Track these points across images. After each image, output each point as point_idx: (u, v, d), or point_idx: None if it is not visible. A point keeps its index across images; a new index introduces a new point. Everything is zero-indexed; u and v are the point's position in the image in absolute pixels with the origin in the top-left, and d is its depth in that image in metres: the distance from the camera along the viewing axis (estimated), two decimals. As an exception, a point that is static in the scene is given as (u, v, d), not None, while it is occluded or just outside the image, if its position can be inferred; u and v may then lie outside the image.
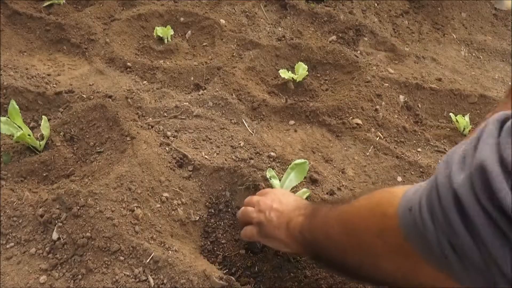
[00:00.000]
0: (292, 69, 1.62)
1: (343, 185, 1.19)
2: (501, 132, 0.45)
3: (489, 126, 0.46)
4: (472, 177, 0.43)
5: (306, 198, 1.07)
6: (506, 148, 0.42)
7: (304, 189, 1.11)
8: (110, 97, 1.37)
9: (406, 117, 1.52)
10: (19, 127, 1.17)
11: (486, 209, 0.42)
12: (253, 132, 1.34)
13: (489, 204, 0.42)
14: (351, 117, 1.42)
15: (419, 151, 1.37)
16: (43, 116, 1.23)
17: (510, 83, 1.82)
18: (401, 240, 0.54)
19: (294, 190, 1.11)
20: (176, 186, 1.10)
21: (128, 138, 1.21)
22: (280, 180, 1.10)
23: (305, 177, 1.17)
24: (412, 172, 1.27)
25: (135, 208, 1.01)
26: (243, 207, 0.94)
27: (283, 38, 1.80)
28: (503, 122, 0.46)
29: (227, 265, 0.99)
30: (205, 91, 1.48)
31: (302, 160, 1.10)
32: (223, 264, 0.99)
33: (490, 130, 0.46)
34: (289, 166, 1.10)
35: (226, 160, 1.19)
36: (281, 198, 0.87)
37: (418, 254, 0.52)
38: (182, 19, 1.87)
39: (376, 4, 2.12)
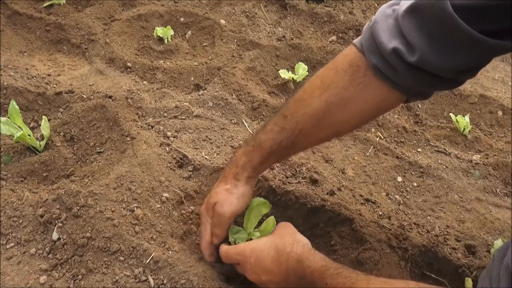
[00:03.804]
0: (292, 69, 1.62)
1: (343, 185, 1.19)
2: None
3: None
4: None
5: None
6: None
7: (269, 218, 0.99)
8: (110, 97, 1.37)
9: (406, 117, 1.52)
10: (19, 127, 1.17)
11: None
12: (253, 132, 1.34)
13: None
14: (351, 117, 1.42)
15: (419, 151, 1.37)
16: (43, 116, 1.23)
17: (510, 83, 1.82)
18: None
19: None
20: (176, 186, 1.10)
21: (128, 138, 1.21)
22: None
23: (303, 178, 1.18)
24: (412, 172, 1.27)
25: (135, 208, 1.01)
26: (224, 252, 0.93)
27: (283, 38, 1.80)
28: None
29: (228, 264, 0.99)
30: (205, 91, 1.48)
31: (261, 200, 1.00)
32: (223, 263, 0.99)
33: None
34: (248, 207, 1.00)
35: (226, 160, 1.19)
36: (263, 266, 0.84)
37: None
38: (182, 19, 1.87)
39: (376, 4, 2.12)
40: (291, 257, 0.81)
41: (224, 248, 0.94)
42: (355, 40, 0.83)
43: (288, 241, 0.84)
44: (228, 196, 0.94)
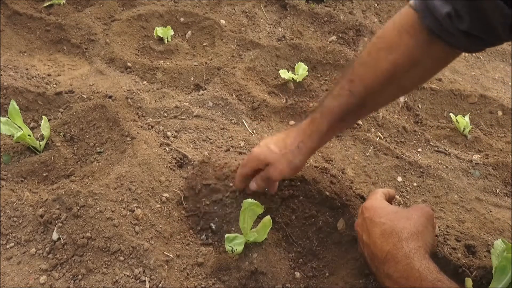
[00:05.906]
0: (292, 69, 1.62)
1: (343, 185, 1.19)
2: None
3: None
4: None
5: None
6: None
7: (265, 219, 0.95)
8: (110, 97, 1.37)
9: (406, 117, 1.52)
10: (19, 127, 1.17)
11: None
12: (253, 132, 1.34)
13: None
14: (351, 117, 1.42)
15: (419, 151, 1.37)
16: (43, 116, 1.23)
17: (510, 83, 1.82)
18: None
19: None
20: (176, 187, 1.10)
21: (128, 138, 1.21)
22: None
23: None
24: (412, 173, 1.27)
25: (135, 208, 1.01)
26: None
27: (283, 38, 1.80)
28: None
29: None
30: (205, 91, 1.48)
31: (253, 201, 0.93)
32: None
33: None
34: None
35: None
36: (372, 232, 0.82)
37: None
38: (182, 19, 1.87)
39: (376, 4, 2.12)
40: (399, 246, 0.75)
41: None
42: (411, 2, 0.83)
43: (408, 228, 0.78)
44: (284, 163, 0.93)
